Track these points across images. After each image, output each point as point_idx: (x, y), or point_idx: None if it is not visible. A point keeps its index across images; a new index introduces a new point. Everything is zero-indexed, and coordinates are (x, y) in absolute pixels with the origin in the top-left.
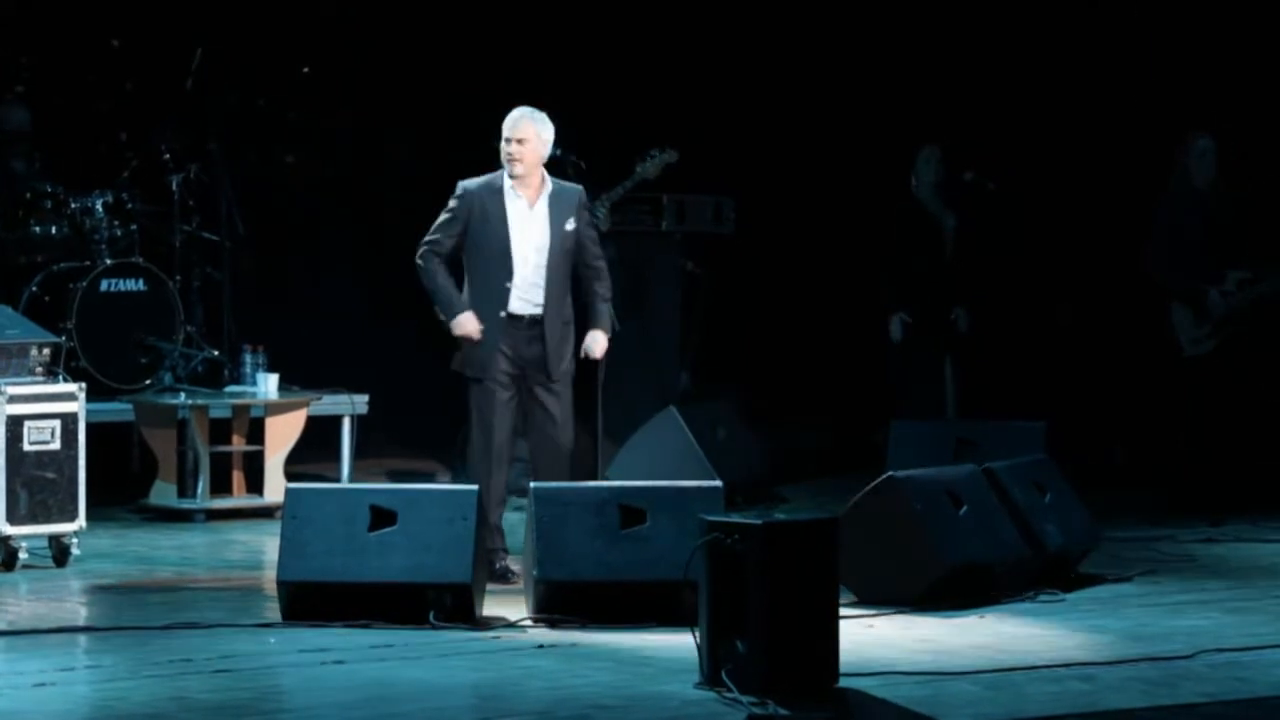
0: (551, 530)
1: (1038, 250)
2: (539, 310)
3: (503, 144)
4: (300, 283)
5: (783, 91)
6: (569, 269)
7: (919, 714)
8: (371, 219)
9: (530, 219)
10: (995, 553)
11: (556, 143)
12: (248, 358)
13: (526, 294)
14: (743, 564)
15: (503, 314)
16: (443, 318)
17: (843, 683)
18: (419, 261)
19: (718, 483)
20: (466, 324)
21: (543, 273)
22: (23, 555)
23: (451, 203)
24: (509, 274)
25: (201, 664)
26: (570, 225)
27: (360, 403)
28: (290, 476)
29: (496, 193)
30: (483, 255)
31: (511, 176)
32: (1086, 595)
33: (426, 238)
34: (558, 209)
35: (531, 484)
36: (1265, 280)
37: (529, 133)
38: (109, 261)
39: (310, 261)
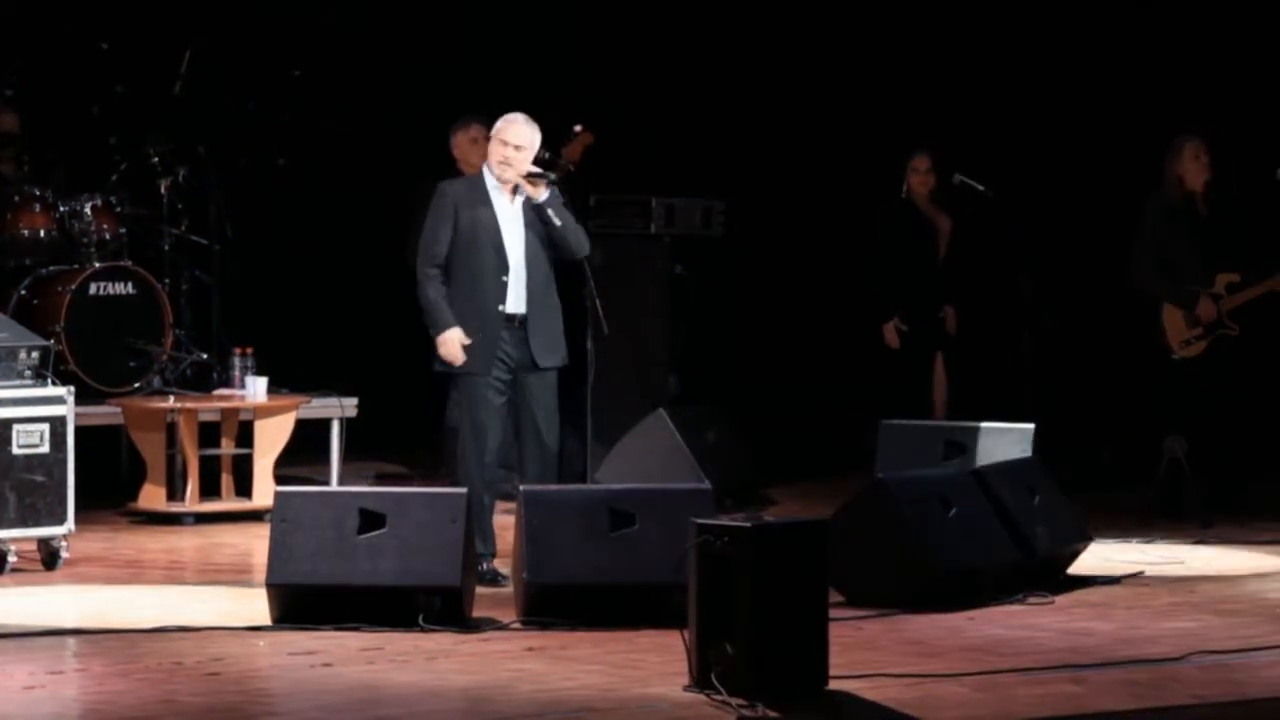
0: (540, 533)
1: (1029, 252)
2: (523, 310)
3: (498, 147)
4: (289, 286)
5: (772, 94)
6: (551, 261)
7: (908, 716)
8: (362, 222)
9: (513, 214)
10: (984, 555)
11: (545, 144)
12: (237, 361)
13: (517, 291)
14: (732, 566)
15: (501, 308)
16: (431, 332)
17: (832, 685)
18: (421, 276)
19: (707, 485)
20: (455, 340)
21: (524, 268)
22: (11, 559)
23: (438, 204)
24: (505, 268)
25: (190, 667)
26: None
27: (349, 405)
28: (279, 479)
29: (480, 191)
30: (476, 253)
31: (502, 180)
32: (1075, 597)
33: (424, 249)
34: (531, 203)
35: (521, 487)
36: (1253, 283)
37: (527, 140)
38: (98, 265)
39: (300, 264)
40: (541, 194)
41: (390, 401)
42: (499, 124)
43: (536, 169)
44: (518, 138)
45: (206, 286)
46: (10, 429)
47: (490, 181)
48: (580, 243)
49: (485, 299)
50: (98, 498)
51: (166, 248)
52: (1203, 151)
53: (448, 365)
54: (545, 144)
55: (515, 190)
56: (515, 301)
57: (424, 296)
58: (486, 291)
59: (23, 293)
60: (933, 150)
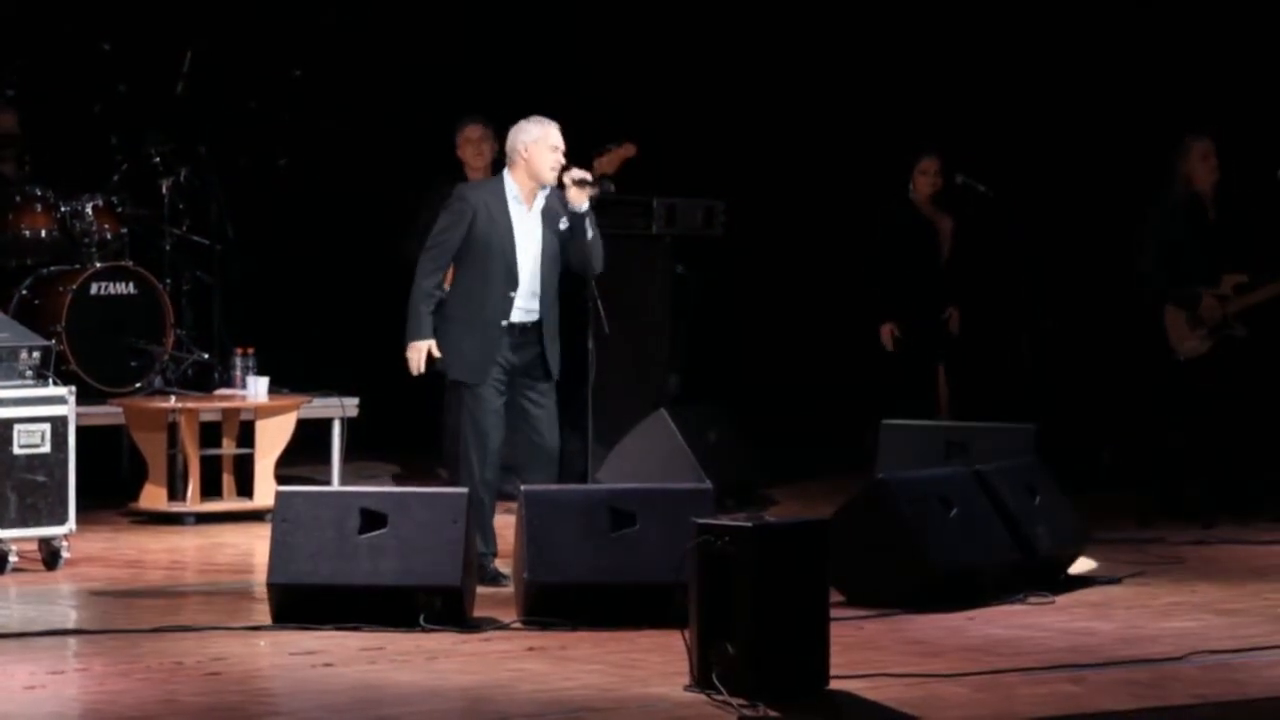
0: (541, 533)
1: (1030, 252)
2: (536, 317)
3: (549, 152)
4: (290, 286)
5: (774, 94)
6: (560, 269)
7: (908, 716)
8: (362, 222)
9: (529, 221)
10: (985, 555)
11: (577, 155)
12: (238, 361)
13: (526, 303)
14: (733, 566)
15: (504, 323)
16: (407, 337)
17: (832, 685)
18: (418, 275)
19: (708, 485)
20: (420, 352)
21: (539, 279)
22: (12, 559)
23: (456, 207)
24: (514, 284)
25: (191, 667)
26: (563, 224)
27: (350, 405)
28: (280, 479)
29: (500, 198)
30: (486, 262)
31: (546, 185)
32: (1076, 597)
33: (430, 248)
34: (549, 210)
35: (521, 487)
36: (1261, 284)
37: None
38: (99, 265)
39: (300, 264)
40: (584, 204)
41: (391, 401)
42: (539, 128)
43: (590, 177)
44: (562, 141)
45: (208, 286)
46: (11, 429)
47: (511, 190)
48: (600, 260)
49: (488, 311)
50: (99, 498)
51: (168, 248)
52: (1211, 152)
53: (450, 371)
54: (577, 155)
55: (534, 196)
56: (520, 313)
57: (413, 297)
58: (491, 303)
59: (24, 293)
60: (941, 153)
